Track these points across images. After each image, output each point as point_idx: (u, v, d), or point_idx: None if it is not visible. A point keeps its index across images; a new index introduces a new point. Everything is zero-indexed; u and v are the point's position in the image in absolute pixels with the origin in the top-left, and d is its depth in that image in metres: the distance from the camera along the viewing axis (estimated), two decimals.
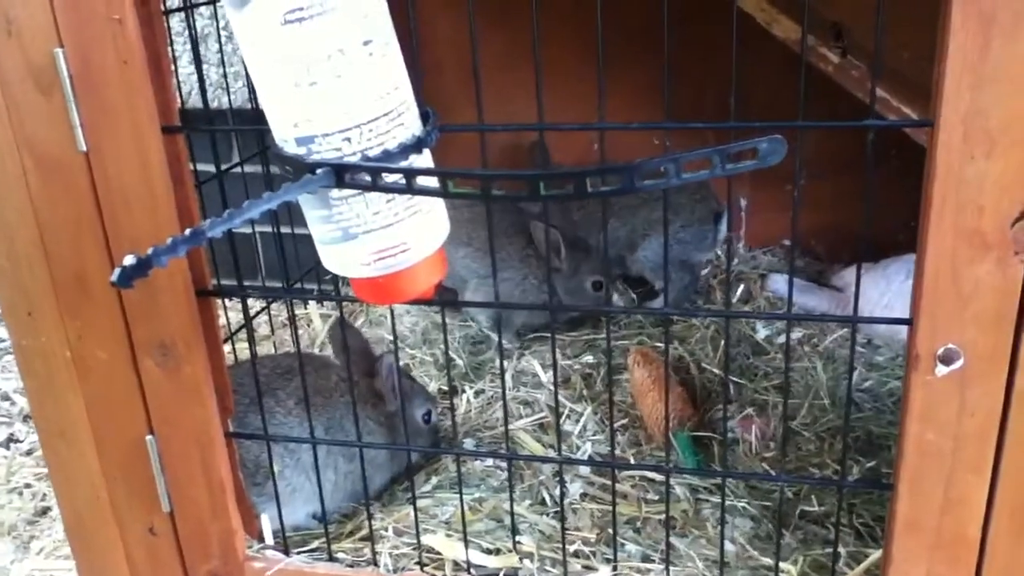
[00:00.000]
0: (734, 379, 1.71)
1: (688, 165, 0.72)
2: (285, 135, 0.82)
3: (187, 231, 0.70)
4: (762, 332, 1.87)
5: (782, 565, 1.23)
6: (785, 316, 0.98)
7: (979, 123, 0.78)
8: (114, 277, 0.66)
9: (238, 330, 1.61)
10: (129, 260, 0.68)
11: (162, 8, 1.04)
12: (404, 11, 0.90)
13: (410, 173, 0.78)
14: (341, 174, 0.79)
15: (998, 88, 0.77)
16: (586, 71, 1.89)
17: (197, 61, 1.42)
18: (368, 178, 0.79)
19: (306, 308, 2.08)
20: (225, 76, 1.90)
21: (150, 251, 0.68)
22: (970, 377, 0.89)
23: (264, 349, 1.87)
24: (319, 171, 0.79)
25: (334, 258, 0.89)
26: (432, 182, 0.79)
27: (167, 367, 1.09)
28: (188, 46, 1.67)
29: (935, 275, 0.86)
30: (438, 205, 0.89)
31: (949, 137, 0.79)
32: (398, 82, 0.83)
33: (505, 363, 1.81)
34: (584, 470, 1.47)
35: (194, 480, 1.16)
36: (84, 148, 1.00)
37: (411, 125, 0.84)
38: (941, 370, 0.89)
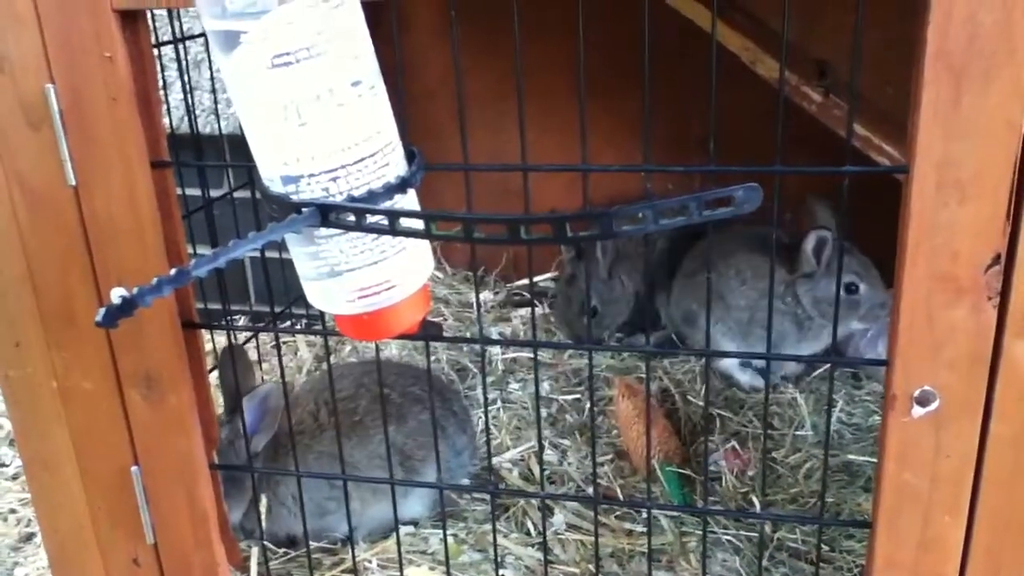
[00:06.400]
0: (719, 412, 1.72)
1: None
2: (272, 174, 0.83)
3: (172, 271, 0.71)
4: None
5: None
6: (764, 356, 0.99)
7: (952, 172, 0.80)
8: (99, 317, 0.67)
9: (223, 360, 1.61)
10: (115, 299, 0.69)
11: (153, 40, 1.06)
12: (392, 45, 0.92)
13: (394, 214, 0.79)
14: (326, 214, 0.80)
15: (969, 140, 0.79)
16: (577, 104, 1.92)
17: (186, 94, 1.44)
18: (353, 218, 0.80)
19: (293, 337, 2.09)
20: (216, 103, 1.91)
21: (135, 291, 0.69)
22: (945, 419, 0.90)
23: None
24: (304, 210, 0.80)
25: (318, 294, 0.89)
26: (416, 222, 0.81)
27: (152, 399, 1.10)
28: (178, 71, 1.69)
29: (911, 318, 0.87)
30: (423, 243, 0.90)
31: (923, 185, 0.81)
32: (385, 122, 0.85)
33: (494, 395, 1.82)
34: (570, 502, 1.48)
35: (178, 511, 1.16)
36: (73, 182, 1.01)
37: (396, 165, 0.85)
38: (917, 411, 0.90)
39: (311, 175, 0.81)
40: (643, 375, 1.84)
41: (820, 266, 1.70)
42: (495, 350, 1.98)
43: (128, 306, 0.67)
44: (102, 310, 0.66)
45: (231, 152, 2.11)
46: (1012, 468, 0.91)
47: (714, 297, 1.78)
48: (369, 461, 1.39)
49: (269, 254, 1.14)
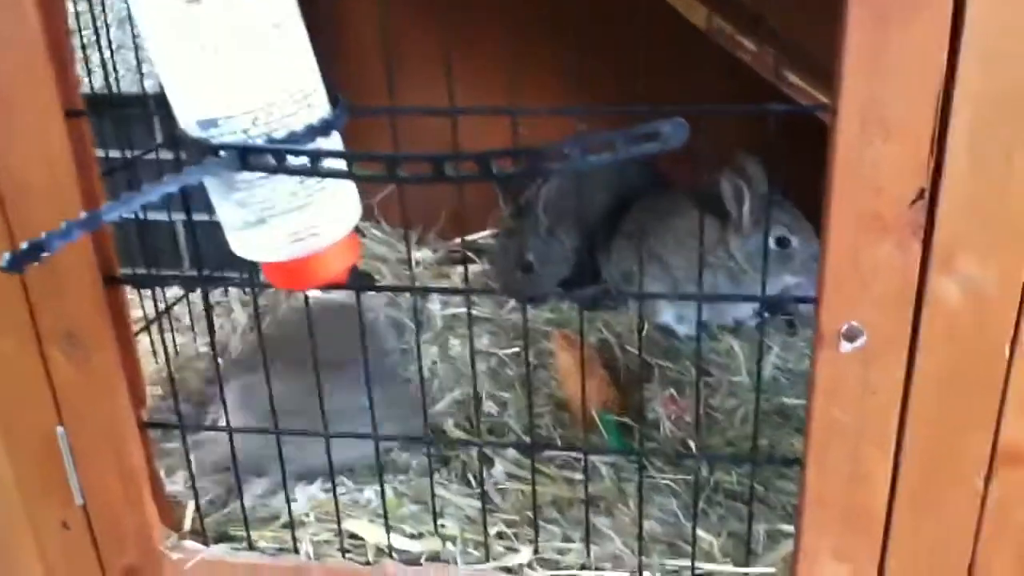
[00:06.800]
0: (658, 362, 1.73)
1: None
2: (188, 118, 0.80)
3: (82, 214, 0.69)
4: None
5: (703, 541, 1.26)
6: (696, 296, 1.00)
7: (876, 111, 0.81)
8: (3, 263, 0.64)
9: (153, 320, 1.57)
10: (24, 245, 0.67)
11: None
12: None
13: (315, 155, 0.77)
14: (245, 157, 0.78)
15: (893, 79, 0.79)
16: (509, 58, 1.89)
17: (100, 43, 1.39)
18: (273, 161, 0.78)
19: (227, 295, 2.04)
20: (139, 60, 1.84)
21: (43, 235, 0.67)
22: (873, 355, 0.92)
23: (184, 339, 1.84)
24: (222, 153, 0.78)
25: (243, 243, 0.87)
26: (339, 163, 0.79)
27: (75, 357, 1.07)
28: (103, 30, 1.63)
29: (838, 256, 0.88)
30: (350, 188, 0.88)
31: (848, 124, 0.82)
32: (305, 63, 0.82)
33: (433, 349, 1.81)
34: (510, 452, 1.48)
35: (107, 472, 1.14)
36: None
37: (319, 107, 0.83)
38: (845, 347, 0.91)
39: (228, 116, 0.79)
40: (575, 328, 1.84)
41: (742, 215, 1.70)
42: (434, 307, 1.96)
43: (35, 250, 0.64)
44: (6, 254, 0.63)
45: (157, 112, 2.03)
46: (937, 403, 0.93)
47: (652, 258, 1.79)
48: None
49: (198, 217, 1.10)
